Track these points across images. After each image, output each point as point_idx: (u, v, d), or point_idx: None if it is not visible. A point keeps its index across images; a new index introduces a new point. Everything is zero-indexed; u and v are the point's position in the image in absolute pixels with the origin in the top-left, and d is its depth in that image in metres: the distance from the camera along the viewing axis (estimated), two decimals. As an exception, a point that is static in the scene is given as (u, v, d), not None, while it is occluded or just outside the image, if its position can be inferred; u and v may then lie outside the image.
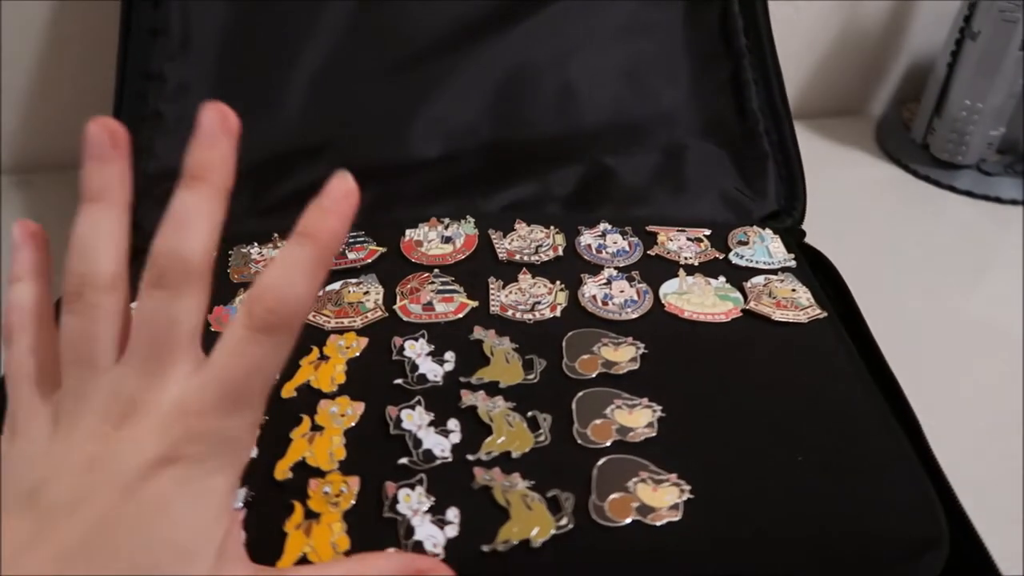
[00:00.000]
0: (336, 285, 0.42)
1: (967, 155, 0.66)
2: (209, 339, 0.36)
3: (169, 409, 0.25)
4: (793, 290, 0.42)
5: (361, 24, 0.55)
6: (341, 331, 0.40)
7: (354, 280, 0.43)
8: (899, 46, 0.75)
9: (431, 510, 0.31)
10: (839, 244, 0.58)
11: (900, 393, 0.39)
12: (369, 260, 0.44)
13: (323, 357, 0.38)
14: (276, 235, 0.47)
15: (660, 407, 0.35)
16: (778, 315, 0.40)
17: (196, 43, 0.53)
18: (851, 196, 0.67)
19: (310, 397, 0.36)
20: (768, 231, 0.47)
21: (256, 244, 0.46)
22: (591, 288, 0.42)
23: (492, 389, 0.36)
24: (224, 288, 0.43)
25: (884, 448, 0.35)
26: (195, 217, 0.27)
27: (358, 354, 0.38)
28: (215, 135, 0.29)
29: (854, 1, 0.72)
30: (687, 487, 0.32)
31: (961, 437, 0.43)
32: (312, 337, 0.39)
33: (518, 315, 0.40)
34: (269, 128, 0.53)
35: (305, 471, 0.33)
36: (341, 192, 0.26)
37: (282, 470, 0.33)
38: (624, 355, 0.38)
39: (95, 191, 0.28)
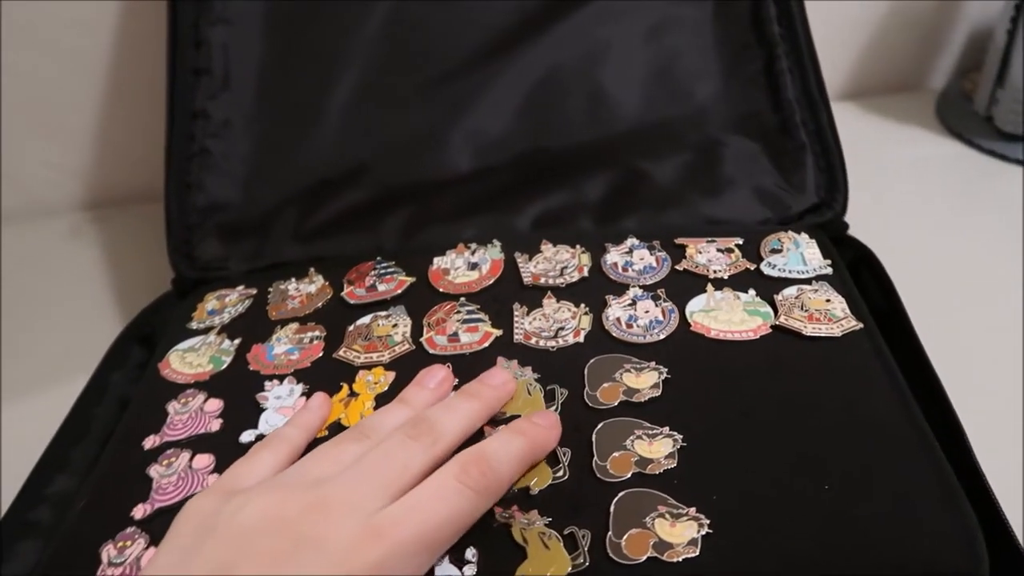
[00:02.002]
0: (366, 319, 0.44)
1: (1035, 126, 0.62)
2: (249, 377, 0.38)
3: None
4: (828, 300, 0.41)
5: (391, 48, 0.56)
6: (370, 366, 0.41)
7: (383, 313, 0.44)
8: (956, 14, 0.71)
9: (450, 549, 0.32)
10: (899, 230, 0.56)
11: (948, 407, 0.37)
12: (399, 291, 0.45)
13: (353, 394, 0.39)
14: (312, 269, 0.48)
15: (681, 436, 0.35)
16: (810, 329, 0.39)
17: (236, 80, 0.55)
18: (911, 176, 0.64)
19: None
20: (804, 236, 0.46)
21: (294, 280, 0.48)
22: (615, 310, 0.42)
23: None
24: (262, 326, 0.45)
25: (920, 474, 0.33)
26: (461, 411, 0.35)
27: (386, 389, 0.40)
28: (498, 381, 0.38)
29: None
30: (706, 521, 0.32)
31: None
32: (342, 374, 0.41)
33: (542, 343, 0.41)
34: (308, 156, 0.55)
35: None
36: (552, 420, 0.35)
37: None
38: (646, 381, 0.37)
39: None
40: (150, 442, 0.39)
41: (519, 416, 0.37)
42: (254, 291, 0.48)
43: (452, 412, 0.34)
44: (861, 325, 0.40)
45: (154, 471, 0.37)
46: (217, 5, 0.55)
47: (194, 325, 0.46)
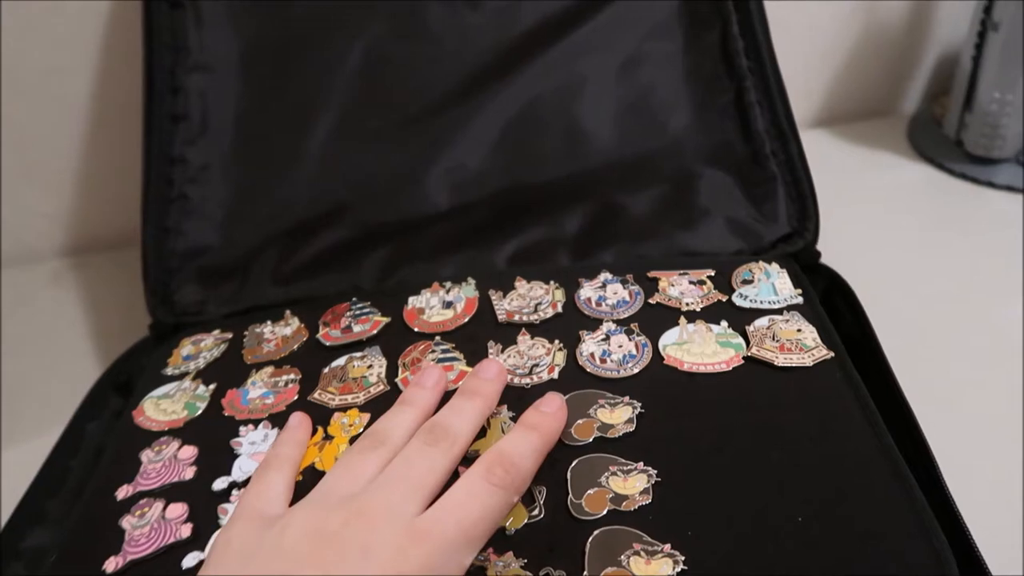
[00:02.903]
0: (341, 361, 0.44)
1: (1003, 148, 0.63)
2: (223, 423, 0.38)
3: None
4: (799, 330, 0.41)
5: (367, 88, 0.56)
6: (345, 408, 0.41)
7: (359, 354, 0.44)
8: (924, 41, 0.72)
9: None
10: (873, 254, 0.56)
11: (918, 434, 0.37)
12: (374, 331, 0.45)
13: (328, 437, 0.39)
14: (288, 311, 0.49)
15: (655, 471, 0.35)
16: (781, 360, 0.39)
17: (214, 125, 0.56)
18: (884, 201, 0.65)
19: (315, 480, 0.37)
20: (775, 266, 0.46)
21: (270, 323, 0.48)
22: (589, 346, 0.42)
23: (488, 462, 0.37)
24: (237, 370, 0.45)
25: (892, 502, 0.33)
26: (468, 411, 0.36)
27: (361, 430, 0.39)
28: (492, 373, 0.39)
29: (872, 1, 0.69)
30: (681, 558, 0.32)
31: (1003, 475, 0.41)
32: (317, 417, 0.40)
33: (516, 380, 0.41)
34: (286, 198, 0.55)
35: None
36: (556, 404, 0.37)
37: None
38: (620, 416, 0.38)
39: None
40: (123, 492, 0.38)
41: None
42: (230, 335, 0.48)
43: (461, 414, 0.36)
44: (832, 354, 0.40)
45: (126, 522, 0.36)
46: (194, 52, 0.55)
47: (169, 371, 0.46)
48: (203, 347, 0.47)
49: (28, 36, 0.59)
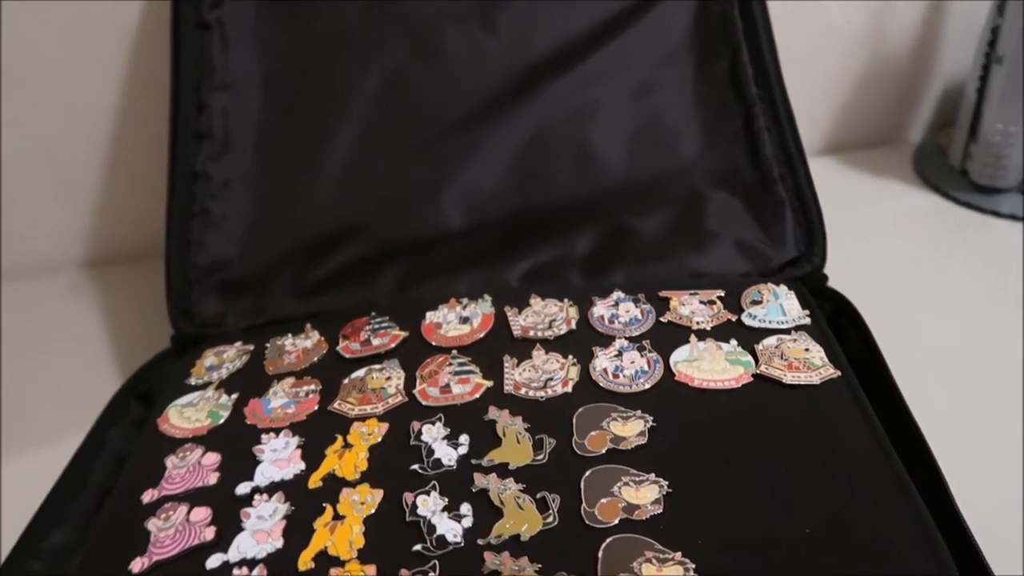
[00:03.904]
0: (361, 372, 0.45)
1: (1007, 178, 0.64)
2: (246, 431, 0.39)
3: None
4: (806, 350, 0.42)
5: (386, 109, 0.58)
6: (364, 418, 0.42)
7: (377, 366, 0.45)
8: (929, 72, 0.74)
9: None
10: (880, 280, 0.58)
11: (926, 451, 0.38)
12: (392, 345, 0.46)
13: (347, 445, 0.40)
14: (308, 324, 0.50)
15: (667, 482, 0.36)
16: (789, 378, 0.41)
17: (236, 142, 0.57)
18: (890, 228, 0.66)
19: (334, 486, 0.39)
20: (783, 287, 0.48)
21: (290, 335, 0.49)
22: (602, 361, 0.43)
23: (503, 470, 0.38)
24: (259, 380, 0.46)
25: (897, 516, 0.34)
26: None
27: (379, 440, 0.41)
28: None
29: (878, 31, 0.71)
30: (691, 565, 0.33)
31: (1011, 493, 0.42)
32: (337, 426, 0.42)
33: (531, 393, 0.42)
34: (305, 215, 0.56)
35: (327, 561, 0.35)
36: None
37: (304, 561, 0.35)
38: (632, 429, 0.39)
39: None
40: (148, 496, 0.39)
41: (508, 463, 0.38)
42: (251, 347, 0.49)
43: None
44: (839, 373, 0.41)
45: (152, 525, 0.38)
46: (218, 71, 0.57)
47: (192, 381, 0.47)
48: (226, 358, 0.48)
49: (56, 51, 0.61)
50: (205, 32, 0.57)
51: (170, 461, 0.41)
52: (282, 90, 0.58)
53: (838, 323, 0.48)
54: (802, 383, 0.40)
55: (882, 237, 0.64)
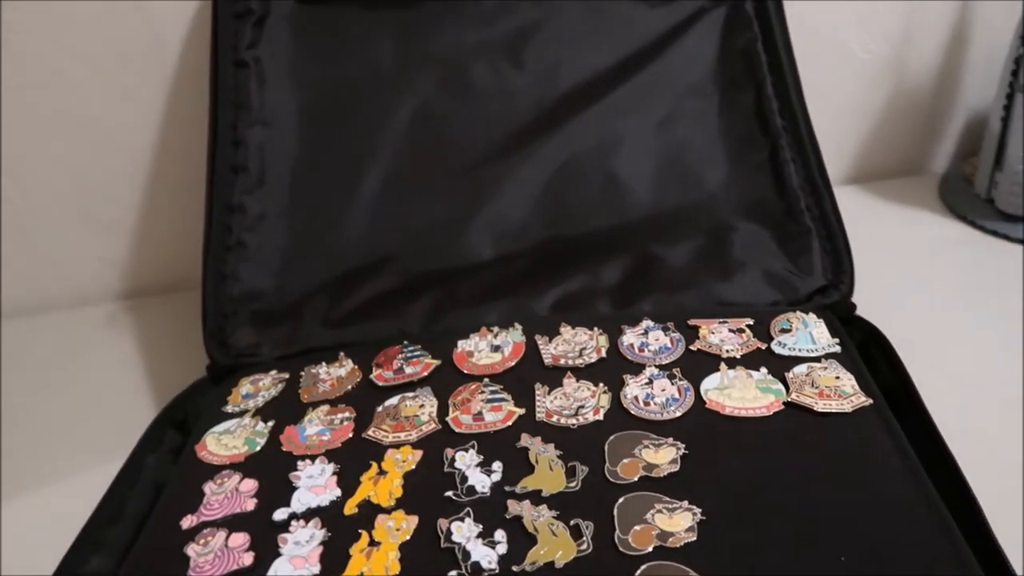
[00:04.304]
0: (394, 400, 0.46)
1: (1034, 207, 0.64)
2: (282, 458, 0.39)
3: None
4: (837, 377, 0.43)
5: (416, 143, 0.59)
6: (398, 445, 0.42)
7: (410, 394, 0.46)
8: (953, 102, 0.74)
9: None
10: (907, 309, 0.58)
11: (960, 479, 0.38)
12: (425, 373, 0.47)
13: (382, 472, 0.41)
14: (342, 353, 0.51)
15: (700, 510, 0.36)
16: (820, 406, 0.41)
17: (271, 176, 0.59)
18: (917, 257, 0.66)
19: (370, 512, 0.39)
20: (812, 316, 0.48)
21: (324, 363, 0.50)
22: (633, 389, 0.43)
23: (537, 498, 0.38)
24: (294, 408, 0.47)
25: (933, 545, 0.34)
26: None
27: (413, 467, 0.41)
28: None
29: (900, 62, 0.72)
30: (726, 593, 0.33)
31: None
32: (371, 453, 0.42)
33: (563, 420, 0.42)
34: (338, 246, 0.58)
35: None
36: None
37: (342, 587, 0.36)
38: (664, 457, 0.39)
39: None
40: (187, 522, 0.40)
41: (541, 491, 0.38)
42: (287, 375, 0.50)
43: None
44: (871, 401, 0.41)
45: (191, 550, 0.38)
46: (255, 108, 0.59)
47: (229, 408, 0.48)
48: (261, 386, 0.49)
49: (98, 89, 0.63)
50: (242, 70, 0.59)
51: (208, 487, 0.42)
52: (316, 125, 0.60)
53: (867, 352, 0.48)
54: (834, 411, 0.41)
55: (910, 266, 0.64)
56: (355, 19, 0.61)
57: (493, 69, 0.60)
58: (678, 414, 0.42)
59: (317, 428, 0.45)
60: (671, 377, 0.44)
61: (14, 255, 0.69)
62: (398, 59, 0.60)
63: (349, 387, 0.47)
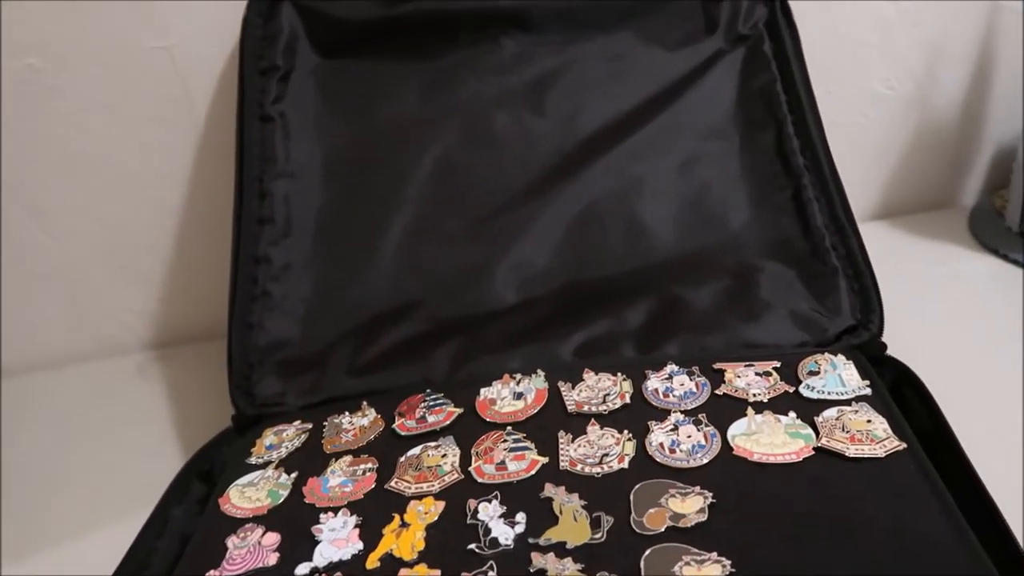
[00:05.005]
0: (416, 450, 0.45)
1: (1067, 240, 0.63)
2: (304, 510, 0.39)
3: None
4: (868, 421, 0.41)
5: (439, 190, 0.60)
6: (420, 496, 0.42)
7: (433, 444, 0.45)
8: (980, 135, 0.74)
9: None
10: (940, 347, 0.56)
11: (1001, 522, 0.37)
12: (447, 422, 0.47)
13: (404, 524, 0.41)
14: (364, 403, 0.51)
15: (730, 562, 0.35)
16: (852, 451, 0.40)
17: (296, 227, 0.60)
18: (949, 293, 0.65)
19: (392, 566, 0.39)
20: (841, 357, 0.47)
21: (347, 413, 0.50)
22: (658, 436, 0.43)
23: (561, 550, 0.37)
24: (317, 459, 0.47)
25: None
26: None
27: (436, 519, 0.41)
28: None
29: (923, 97, 0.71)
30: (758, 650, 0.31)
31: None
32: (394, 504, 0.42)
33: (587, 469, 0.41)
34: (362, 294, 0.58)
35: None
36: None
37: (364, 644, 0.35)
38: (692, 506, 0.38)
39: None
40: (210, 576, 0.40)
41: (566, 543, 0.37)
42: (310, 425, 0.50)
43: None
44: (904, 445, 0.40)
45: (214, 605, 0.38)
46: (280, 161, 0.60)
47: (253, 460, 0.48)
48: (285, 437, 0.49)
49: (128, 141, 0.65)
50: (268, 124, 0.61)
51: (231, 541, 0.42)
52: (340, 176, 0.61)
53: (900, 393, 0.47)
54: (866, 456, 0.39)
55: (942, 302, 0.63)
56: (378, 73, 0.62)
57: (514, 117, 0.61)
58: (705, 461, 0.41)
59: (340, 479, 0.44)
60: (697, 423, 0.43)
61: (45, 305, 0.70)
62: (421, 111, 0.61)
63: (372, 437, 0.47)
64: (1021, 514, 0.38)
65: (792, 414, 0.43)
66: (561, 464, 0.42)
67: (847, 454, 0.39)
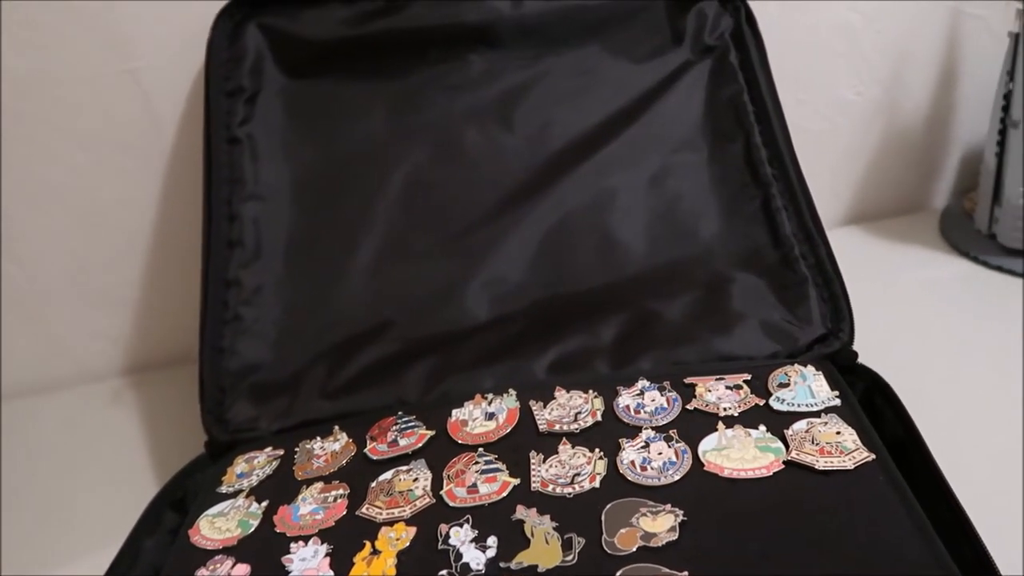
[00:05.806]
0: (388, 475, 0.45)
1: (1036, 241, 0.64)
2: (275, 540, 0.38)
3: None
4: (838, 433, 0.41)
5: (410, 209, 0.60)
6: (392, 522, 0.42)
7: (404, 467, 0.45)
8: (947, 139, 0.74)
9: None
10: (913, 352, 0.56)
11: (973, 536, 0.37)
12: (419, 445, 0.46)
13: (375, 552, 0.40)
14: (336, 427, 0.50)
15: (700, 581, 0.35)
16: (821, 463, 0.40)
17: (266, 249, 0.59)
18: (921, 297, 0.65)
19: (364, 596, 0.38)
20: (810, 368, 0.47)
21: (319, 438, 0.49)
22: (629, 454, 0.42)
23: (532, 574, 0.37)
24: (288, 486, 0.46)
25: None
26: None
27: (407, 544, 0.40)
28: None
29: (891, 103, 0.72)
30: (730, 671, 0.31)
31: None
32: (365, 531, 0.41)
33: (559, 489, 0.41)
34: (334, 316, 0.58)
35: None
36: None
37: (335, 677, 0.35)
38: (663, 525, 0.38)
39: None
40: (179, 611, 0.39)
41: (537, 566, 0.37)
42: (282, 451, 0.49)
43: None
44: (873, 456, 0.40)
45: (182, 641, 0.37)
46: (248, 183, 0.60)
47: (224, 489, 0.47)
48: (256, 464, 0.48)
49: (96, 169, 0.64)
50: (235, 146, 0.60)
51: (201, 574, 0.41)
52: (310, 197, 0.60)
53: (872, 401, 0.47)
54: (835, 468, 0.39)
55: (914, 307, 0.63)
56: (346, 93, 0.62)
57: (484, 134, 0.61)
58: (676, 478, 0.40)
59: (311, 507, 0.44)
60: (668, 439, 0.43)
61: (16, 334, 0.69)
62: (389, 129, 0.61)
63: (344, 462, 0.47)
64: (990, 517, 0.38)
65: (762, 427, 0.43)
66: (533, 485, 0.42)
67: (817, 467, 0.39)
